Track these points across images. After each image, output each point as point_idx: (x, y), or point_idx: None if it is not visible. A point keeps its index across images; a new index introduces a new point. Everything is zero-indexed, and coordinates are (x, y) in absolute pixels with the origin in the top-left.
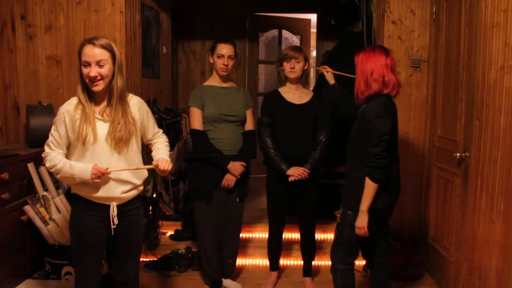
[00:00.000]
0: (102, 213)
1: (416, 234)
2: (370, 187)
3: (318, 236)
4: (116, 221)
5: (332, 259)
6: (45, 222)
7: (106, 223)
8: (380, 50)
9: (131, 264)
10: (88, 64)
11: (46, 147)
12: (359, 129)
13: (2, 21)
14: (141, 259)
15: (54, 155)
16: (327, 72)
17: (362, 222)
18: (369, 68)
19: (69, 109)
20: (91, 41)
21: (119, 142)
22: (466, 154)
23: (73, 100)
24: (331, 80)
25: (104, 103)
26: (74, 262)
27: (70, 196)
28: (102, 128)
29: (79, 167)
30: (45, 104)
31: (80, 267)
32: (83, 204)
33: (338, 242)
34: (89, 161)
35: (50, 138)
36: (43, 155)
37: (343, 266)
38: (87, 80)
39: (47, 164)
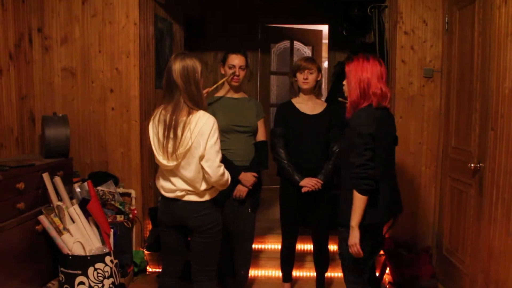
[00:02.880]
0: None
1: (429, 245)
2: (357, 200)
3: (331, 247)
4: None
5: (346, 284)
6: (59, 232)
7: None
8: (374, 59)
9: None
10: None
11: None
12: (347, 139)
13: (20, 34)
14: (154, 269)
15: None
16: None
17: (353, 239)
18: (366, 78)
19: None
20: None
21: None
22: (481, 164)
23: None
24: None
25: None
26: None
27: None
28: None
29: None
30: (60, 115)
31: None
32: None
33: (343, 265)
34: None
35: None
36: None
37: None
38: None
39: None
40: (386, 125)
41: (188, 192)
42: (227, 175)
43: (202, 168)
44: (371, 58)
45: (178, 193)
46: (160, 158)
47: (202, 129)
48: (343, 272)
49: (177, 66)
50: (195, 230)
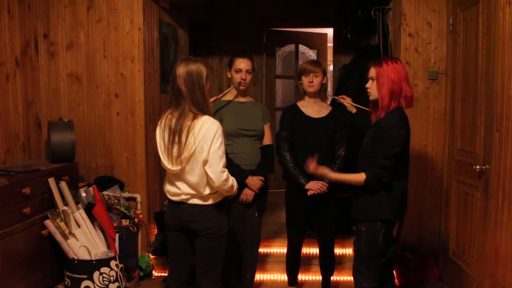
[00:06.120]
0: None
1: (435, 249)
2: (357, 181)
3: (337, 251)
4: None
5: (356, 279)
6: (65, 237)
7: None
8: (401, 62)
9: None
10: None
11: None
12: (373, 139)
13: (26, 40)
14: (159, 274)
15: None
16: (348, 103)
17: (327, 174)
18: (398, 82)
19: None
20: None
21: None
22: (486, 166)
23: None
24: (352, 109)
25: None
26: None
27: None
28: None
29: None
30: (66, 120)
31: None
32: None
33: (358, 260)
34: None
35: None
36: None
37: (369, 285)
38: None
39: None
40: (409, 126)
41: (192, 196)
42: (232, 180)
43: (206, 173)
44: (399, 61)
45: (183, 197)
46: (165, 162)
47: (206, 134)
48: (355, 266)
49: (181, 71)
50: (199, 233)
